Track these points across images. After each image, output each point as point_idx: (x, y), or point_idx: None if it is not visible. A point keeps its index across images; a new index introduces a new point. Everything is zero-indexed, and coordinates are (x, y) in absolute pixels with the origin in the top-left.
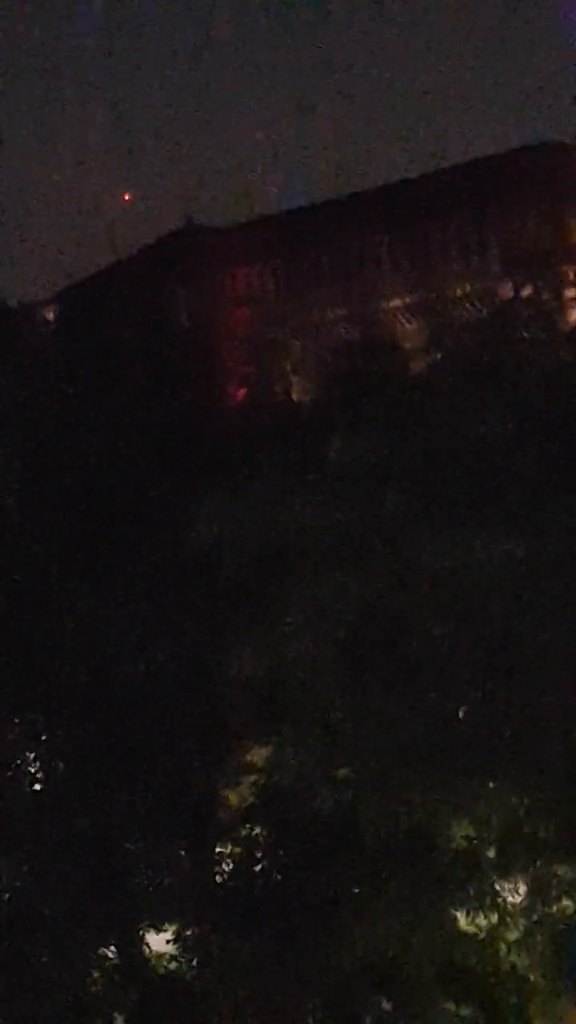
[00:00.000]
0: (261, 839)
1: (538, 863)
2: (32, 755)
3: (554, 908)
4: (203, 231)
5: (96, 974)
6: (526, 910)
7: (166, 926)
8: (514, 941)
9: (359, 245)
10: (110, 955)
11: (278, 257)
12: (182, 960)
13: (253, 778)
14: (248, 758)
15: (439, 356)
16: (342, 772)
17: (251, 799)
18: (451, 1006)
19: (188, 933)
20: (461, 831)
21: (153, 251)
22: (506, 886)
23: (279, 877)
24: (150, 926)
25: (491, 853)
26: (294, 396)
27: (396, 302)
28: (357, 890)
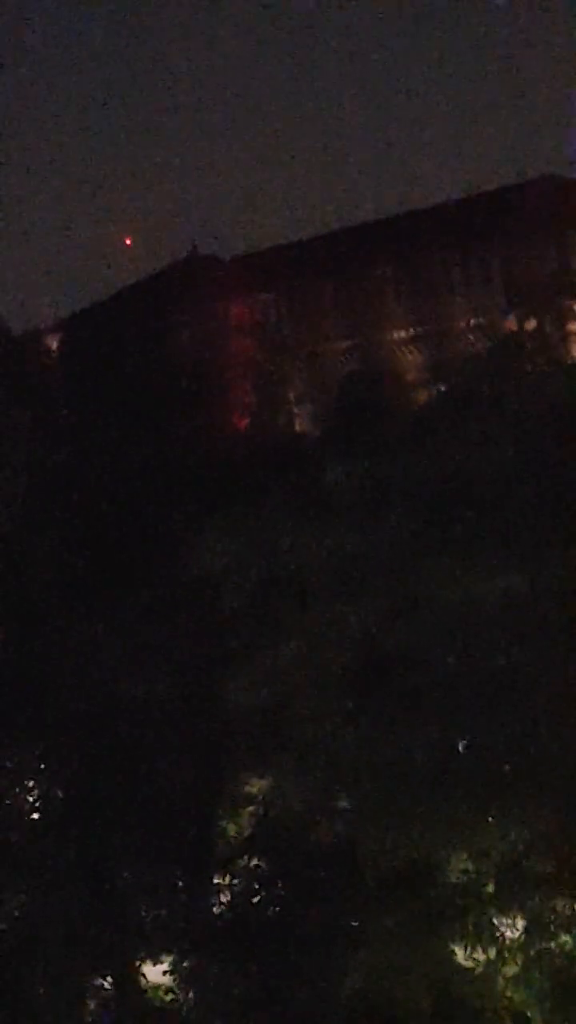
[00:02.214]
0: (259, 870)
1: (537, 898)
2: (31, 783)
3: (552, 943)
4: (208, 261)
5: (92, 1004)
6: (524, 945)
7: (163, 957)
8: (512, 976)
9: (364, 276)
10: (106, 985)
11: (283, 287)
12: (178, 992)
13: (252, 809)
14: (247, 789)
15: (442, 387)
16: (342, 803)
17: (249, 830)
18: None
19: (185, 964)
20: (460, 864)
21: (158, 280)
22: (504, 920)
23: (276, 909)
24: (147, 957)
25: (490, 887)
26: (297, 425)
27: (400, 333)
28: (355, 923)
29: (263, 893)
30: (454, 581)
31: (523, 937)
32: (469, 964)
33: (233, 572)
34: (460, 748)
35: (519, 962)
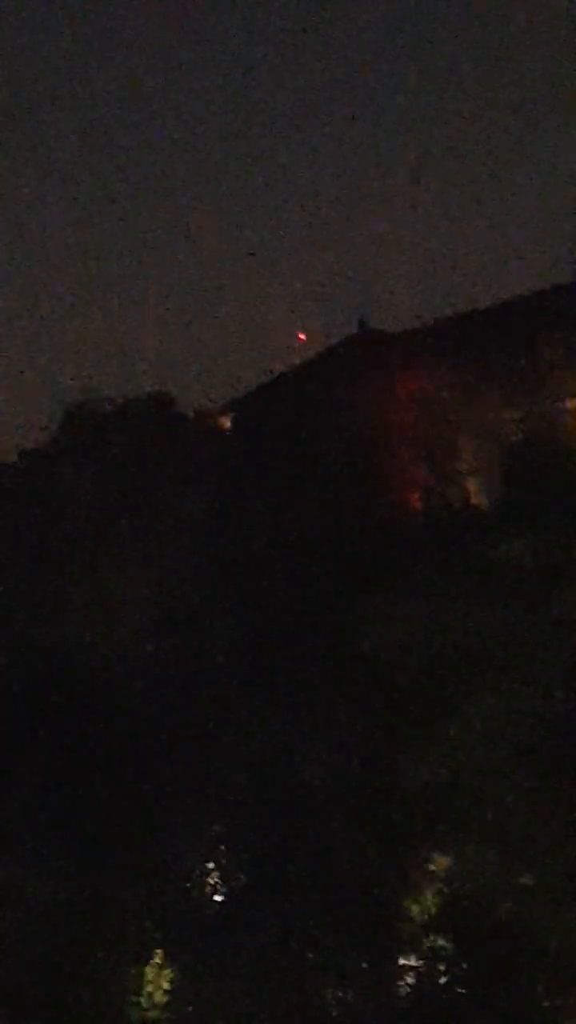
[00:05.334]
0: (444, 951)
1: None
2: (212, 866)
3: None
4: (377, 335)
5: None
6: None
7: None
8: None
9: (532, 345)
10: None
11: (452, 359)
12: None
13: (437, 887)
14: (430, 867)
15: None
16: (524, 880)
17: (434, 909)
18: None
19: None
20: None
21: (327, 357)
22: None
23: (462, 990)
24: None
25: None
26: (472, 498)
27: (572, 402)
28: (546, 1003)
29: (447, 975)
30: None
31: None
32: None
33: (407, 648)
34: None
35: None
